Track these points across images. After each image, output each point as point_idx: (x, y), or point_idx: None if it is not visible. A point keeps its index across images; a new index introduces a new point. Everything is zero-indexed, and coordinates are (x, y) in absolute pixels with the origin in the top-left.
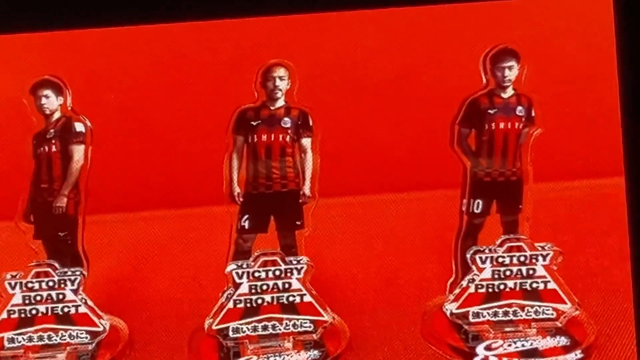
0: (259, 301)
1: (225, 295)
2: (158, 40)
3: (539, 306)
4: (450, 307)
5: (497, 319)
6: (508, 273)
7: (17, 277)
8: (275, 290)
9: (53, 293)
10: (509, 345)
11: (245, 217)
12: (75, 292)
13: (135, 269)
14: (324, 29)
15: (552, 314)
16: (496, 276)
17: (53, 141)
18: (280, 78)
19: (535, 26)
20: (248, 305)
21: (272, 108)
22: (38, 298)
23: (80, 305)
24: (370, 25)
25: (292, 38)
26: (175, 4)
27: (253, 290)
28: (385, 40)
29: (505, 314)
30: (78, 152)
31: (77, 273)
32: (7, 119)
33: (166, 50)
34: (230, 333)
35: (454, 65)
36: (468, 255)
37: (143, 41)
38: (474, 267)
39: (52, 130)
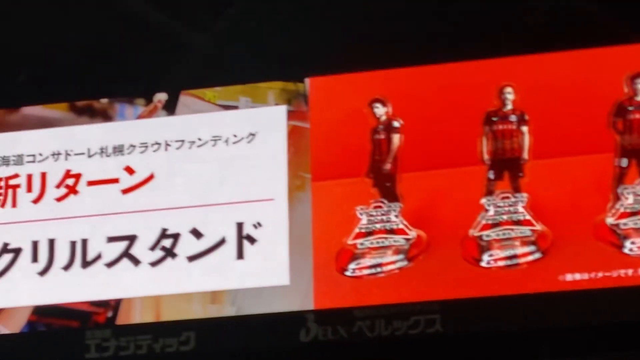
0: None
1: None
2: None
3: None
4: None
5: None
6: None
7: (364, 209)
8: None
9: (384, 217)
10: None
11: None
12: (396, 216)
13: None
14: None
15: None
16: None
17: (382, 134)
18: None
19: None
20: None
21: None
22: (375, 220)
23: (399, 223)
24: None
25: None
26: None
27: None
28: None
29: None
30: (395, 139)
31: (397, 206)
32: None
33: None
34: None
35: None
36: None
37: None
38: None
39: (381, 127)
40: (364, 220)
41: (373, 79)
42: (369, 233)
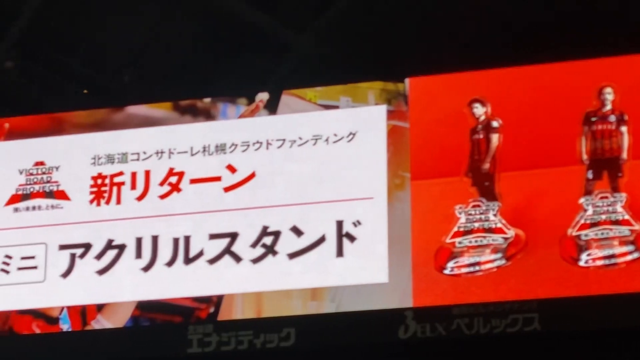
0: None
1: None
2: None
3: None
4: None
5: None
6: None
7: (462, 207)
8: None
9: (482, 216)
10: None
11: None
12: (494, 215)
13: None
14: None
15: None
16: None
17: (481, 134)
18: None
19: None
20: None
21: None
22: (474, 219)
23: (497, 222)
24: None
25: None
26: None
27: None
28: None
29: None
30: (494, 138)
31: (495, 205)
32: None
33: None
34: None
35: None
36: None
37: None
38: None
39: (479, 126)
40: (462, 219)
41: (472, 79)
42: (468, 232)
